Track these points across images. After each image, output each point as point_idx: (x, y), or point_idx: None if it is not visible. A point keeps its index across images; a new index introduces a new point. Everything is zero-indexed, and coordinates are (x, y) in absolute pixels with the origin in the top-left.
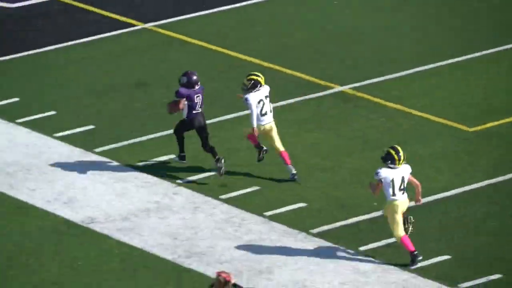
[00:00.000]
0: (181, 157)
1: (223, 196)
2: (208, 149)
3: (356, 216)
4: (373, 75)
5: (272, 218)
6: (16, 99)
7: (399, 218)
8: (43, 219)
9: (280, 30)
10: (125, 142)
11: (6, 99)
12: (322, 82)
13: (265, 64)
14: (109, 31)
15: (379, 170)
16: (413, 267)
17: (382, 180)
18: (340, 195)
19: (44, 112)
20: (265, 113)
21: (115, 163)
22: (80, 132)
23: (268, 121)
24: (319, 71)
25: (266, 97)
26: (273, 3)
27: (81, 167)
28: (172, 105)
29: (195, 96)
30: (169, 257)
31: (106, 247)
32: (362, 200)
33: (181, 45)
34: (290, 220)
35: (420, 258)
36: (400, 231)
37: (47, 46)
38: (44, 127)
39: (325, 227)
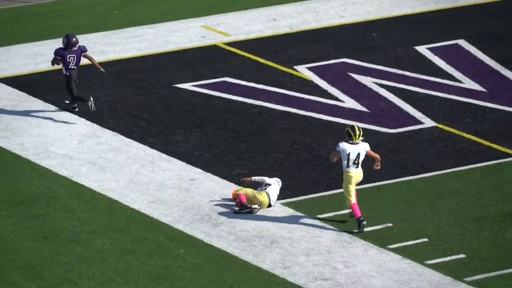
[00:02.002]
0: (73, 107)
1: None
2: (76, 97)
3: None
4: None
5: None
6: (390, 224)
7: (351, 187)
8: None
9: None
10: (496, 273)
11: (379, 224)
12: None
13: None
14: (484, 161)
15: (339, 143)
16: (358, 231)
17: (341, 152)
18: None
19: (416, 239)
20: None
21: None
22: (451, 260)
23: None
24: None
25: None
26: None
27: None
28: (52, 60)
29: (68, 56)
30: None
31: None
32: None
33: None
34: None
35: (364, 223)
36: (351, 198)
37: (421, 173)
38: (415, 254)
39: None
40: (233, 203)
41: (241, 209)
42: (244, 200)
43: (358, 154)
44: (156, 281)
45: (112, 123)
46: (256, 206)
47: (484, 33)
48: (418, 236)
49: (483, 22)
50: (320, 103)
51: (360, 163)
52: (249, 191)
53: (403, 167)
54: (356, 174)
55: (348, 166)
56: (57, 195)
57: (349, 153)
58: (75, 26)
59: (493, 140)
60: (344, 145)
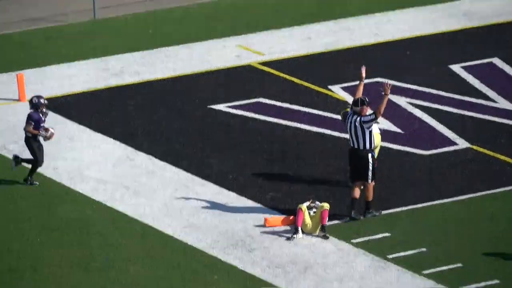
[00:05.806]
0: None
1: None
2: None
3: None
4: None
5: None
6: (424, 249)
7: None
8: None
9: None
10: None
11: (414, 249)
12: None
13: None
14: None
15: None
16: None
17: None
18: None
19: (450, 264)
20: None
21: None
22: (486, 285)
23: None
24: None
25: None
26: None
27: None
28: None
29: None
30: None
31: None
32: None
33: None
34: None
35: None
36: None
37: (452, 197)
38: (450, 280)
39: None
40: (268, 228)
41: (294, 233)
42: (299, 223)
43: None
44: None
45: (146, 145)
46: (299, 234)
47: None
48: (452, 261)
49: None
50: None
51: None
52: (306, 213)
53: (437, 189)
54: None
55: None
56: (91, 220)
57: None
58: (108, 46)
59: None
60: None
